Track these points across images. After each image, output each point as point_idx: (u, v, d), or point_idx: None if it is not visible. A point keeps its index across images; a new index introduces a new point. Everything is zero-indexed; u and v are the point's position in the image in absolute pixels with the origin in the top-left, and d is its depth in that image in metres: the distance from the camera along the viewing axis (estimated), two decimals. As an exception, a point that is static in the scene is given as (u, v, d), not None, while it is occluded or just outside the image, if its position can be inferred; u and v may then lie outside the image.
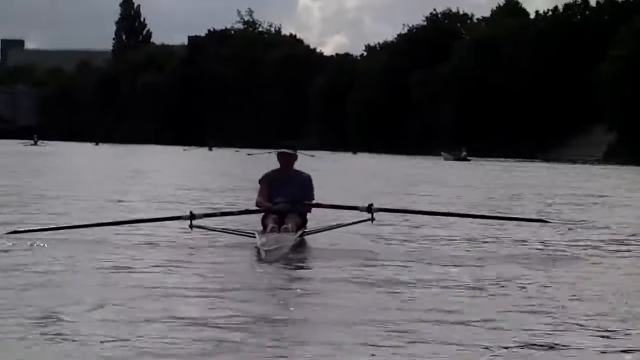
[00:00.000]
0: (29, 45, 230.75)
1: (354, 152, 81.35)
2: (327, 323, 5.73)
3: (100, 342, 5.01)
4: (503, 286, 7.38)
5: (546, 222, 10.71)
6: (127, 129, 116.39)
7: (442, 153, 69.10)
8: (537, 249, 9.98)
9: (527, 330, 5.60)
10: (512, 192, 22.95)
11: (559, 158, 71.88)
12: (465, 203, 17.63)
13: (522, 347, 5.17)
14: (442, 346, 5.12)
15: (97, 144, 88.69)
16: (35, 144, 73.09)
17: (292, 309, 6.20)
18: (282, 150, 10.27)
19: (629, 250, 10.10)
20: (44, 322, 5.51)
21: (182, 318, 5.69)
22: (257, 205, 10.12)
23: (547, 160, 69.24)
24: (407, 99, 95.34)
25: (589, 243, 10.56)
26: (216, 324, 5.55)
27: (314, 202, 10.21)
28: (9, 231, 9.63)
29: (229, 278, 7.49)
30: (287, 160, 10.23)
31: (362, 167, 43.74)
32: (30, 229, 9.80)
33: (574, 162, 65.23)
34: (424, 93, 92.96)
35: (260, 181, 10.27)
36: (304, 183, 10.18)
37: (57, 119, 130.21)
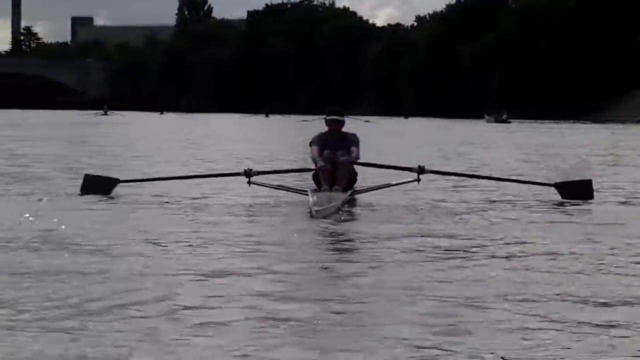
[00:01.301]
0: (98, 22, 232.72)
1: (406, 117, 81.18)
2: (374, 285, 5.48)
3: (155, 297, 4.95)
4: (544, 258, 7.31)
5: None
6: (190, 99, 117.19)
7: (485, 116, 69.26)
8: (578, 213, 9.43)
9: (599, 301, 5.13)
10: (543, 152, 22.66)
11: (602, 120, 70.83)
12: (498, 164, 17.43)
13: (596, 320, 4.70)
14: (482, 315, 4.70)
15: (162, 113, 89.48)
16: (105, 113, 73.81)
17: (338, 267, 6.05)
18: (330, 116, 10.31)
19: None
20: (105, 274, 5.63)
21: (237, 273, 5.69)
22: (313, 161, 10.17)
23: (591, 121, 68.32)
24: (455, 66, 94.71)
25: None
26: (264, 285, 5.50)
27: (369, 161, 10.28)
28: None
29: (282, 234, 7.56)
30: (335, 125, 10.33)
31: (412, 131, 43.54)
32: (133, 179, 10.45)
33: (616, 122, 64.22)
34: (471, 60, 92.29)
35: (311, 143, 10.33)
36: (351, 140, 10.23)
37: (125, 91, 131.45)
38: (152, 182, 10.45)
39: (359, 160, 10.16)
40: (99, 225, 7.69)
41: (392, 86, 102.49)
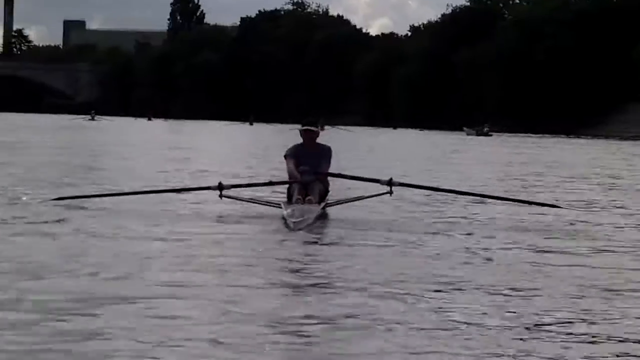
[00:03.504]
0: (90, 25, 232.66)
1: (394, 128, 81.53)
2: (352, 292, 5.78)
3: (123, 311, 5.03)
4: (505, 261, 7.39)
5: (558, 207, 10.52)
6: (180, 105, 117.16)
7: (464, 128, 69.56)
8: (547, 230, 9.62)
9: (540, 309, 5.46)
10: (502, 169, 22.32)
11: (596, 134, 71.01)
12: (467, 179, 17.40)
13: (538, 324, 5.09)
14: (452, 319, 5.12)
15: (149, 119, 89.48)
16: (93, 119, 73.85)
17: (316, 276, 6.31)
18: (305, 127, 10.38)
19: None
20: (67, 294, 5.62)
21: (213, 285, 5.81)
22: (289, 177, 10.25)
23: (583, 136, 68.48)
24: (450, 77, 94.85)
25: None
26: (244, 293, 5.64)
27: (337, 172, 10.41)
28: (54, 197, 10.03)
29: (259, 247, 7.65)
30: (309, 137, 10.38)
31: (385, 143, 43.46)
32: (71, 195, 10.17)
33: (610, 138, 64.21)
34: (467, 71, 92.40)
35: (285, 156, 10.39)
36: (323, 153, 10.32)
37: (115, 95, 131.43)
38: (118, 196, 10.32)
39: (330, 171, 10.24)
40: (63, 242, 7.65)
41: (384, 96, 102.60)
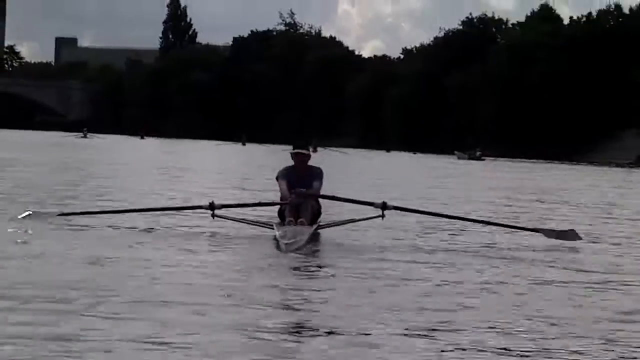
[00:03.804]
0: (82, 43, 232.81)
1: (388, 150, 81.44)
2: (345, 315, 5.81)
3: (119, 333, 5.01)
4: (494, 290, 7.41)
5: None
6: (172, 124, 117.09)
7: (456, 152, 69.55)
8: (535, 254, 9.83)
9: (531, 334, 5.55)
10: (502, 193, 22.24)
11: (590, 161, 71.06)
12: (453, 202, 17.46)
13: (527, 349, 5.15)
14: (443, 344, 5.16)
15: (142, 137, 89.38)
16: (85, 136, 73.80)
17: (309, 301, 6.28)
18: (297, 150, 10.41)
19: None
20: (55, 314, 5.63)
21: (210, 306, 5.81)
22: (281, 199, 10.26)
23: (577, 162, 68.50)
24: (443, 101, 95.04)
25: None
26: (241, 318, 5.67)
27: (331, 194, 10.37)
28: (58, 213, 10.07)
29: (252, 268, 7.63)
30: (301, 159, 10.42)
31: (377, 165, 43.50)
32: (46, 211, 10.22)
33: (604, 165, 64.04)
34: (459, 95, 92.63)
35: (277, 178, 10.43)
36: (315, 175, 10.35)
37: (106, 113, 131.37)
38: (113, 214, 10.35)
39: (322, 193, 10.24)
40: (57, 258, 7.65)
41: (377, 118, 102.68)
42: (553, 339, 5.38)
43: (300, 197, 9.94)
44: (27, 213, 9.94)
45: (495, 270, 8.18)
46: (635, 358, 5.03)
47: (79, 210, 10.52)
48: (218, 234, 9.75)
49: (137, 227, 9.95)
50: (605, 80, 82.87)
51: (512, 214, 14.91)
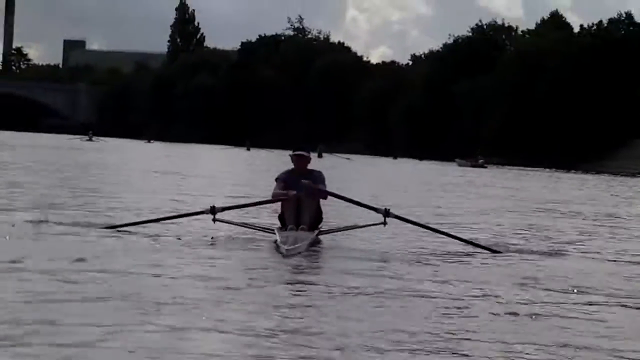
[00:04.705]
0: (90, 46, 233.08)
1: (395, 157, 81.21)
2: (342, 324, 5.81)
3: (116, 340, 5.00)
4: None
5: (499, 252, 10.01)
6: (179, 129, 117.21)
7: (456, 160, 69.58)
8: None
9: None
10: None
11: (600, 170, 70.69)
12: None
13: None
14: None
15: (148, 141, 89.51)
16: (90, 139, 73.92)
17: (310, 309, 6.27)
18: (297, 152, 10.36)
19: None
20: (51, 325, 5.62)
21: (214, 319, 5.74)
22: (273, 196, 10.20)
23: (584, 171, 68.15)
24: (451, 107, 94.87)
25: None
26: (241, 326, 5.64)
27: (335, 191, 10.22)
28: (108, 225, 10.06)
29: (250, 274, 7.60)
30: (300, 162, 10.33)
31: (382, 172, 43.31)
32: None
33: (615, 174, 63.54)
34: (468, 102, 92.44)
35: (276, 179, 10.39)
36: (317, 178, 10.23)
37: (113, 117, 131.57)
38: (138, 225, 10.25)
39: (328, 190, 10.09)
40: (54, 264, 7.66)
41: (385, 125, 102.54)
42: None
43: (308, 189, 9.85)
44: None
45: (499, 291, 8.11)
46: None
47: (80, 220, 10.46)
48: (218, 239, 9.74)
49: (140, 233, 9.90)
50: (615, 89, 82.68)
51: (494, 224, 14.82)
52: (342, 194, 10.24)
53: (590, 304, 7.02)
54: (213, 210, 9.82)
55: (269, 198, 10.37)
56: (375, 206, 10.19)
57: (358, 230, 10.30)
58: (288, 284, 7.20)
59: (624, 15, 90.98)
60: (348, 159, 53.68)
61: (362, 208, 10.22)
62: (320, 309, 6.17)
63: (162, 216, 10.80)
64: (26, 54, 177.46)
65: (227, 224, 10.08)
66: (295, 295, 6.64)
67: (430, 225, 10.69)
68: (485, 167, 62.43)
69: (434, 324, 5.92)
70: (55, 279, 6.67)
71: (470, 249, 10.10)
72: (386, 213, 9.87)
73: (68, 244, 8.77)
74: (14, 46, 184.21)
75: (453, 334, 5.62)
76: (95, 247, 8.85)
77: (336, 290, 6.96)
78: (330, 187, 10.23)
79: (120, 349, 4.74)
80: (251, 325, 5.43)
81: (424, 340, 5.39)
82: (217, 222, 9.87)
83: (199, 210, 10.20)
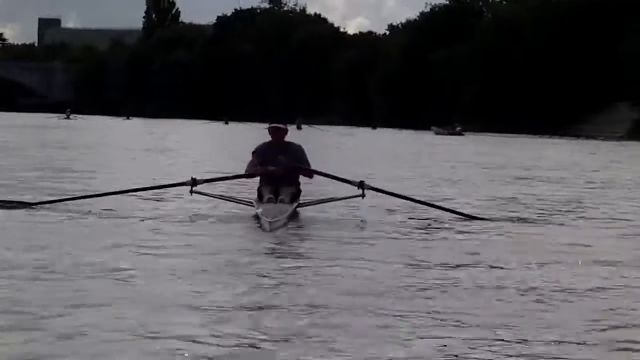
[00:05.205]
0: (65, 24, 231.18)
1: (374, 127, 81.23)
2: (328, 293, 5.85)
3: (96, 316, 4.99)
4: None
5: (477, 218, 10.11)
6: (156, 104, 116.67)
7: (432, 128, 69.24)
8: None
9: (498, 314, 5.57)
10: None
11: (577, 134, 70.97)
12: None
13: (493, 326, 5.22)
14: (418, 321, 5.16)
15: (127, 118, 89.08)
16: (68, 117, 73.54)
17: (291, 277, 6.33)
18: (273, 125, 10.32)
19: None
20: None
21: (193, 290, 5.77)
22: (247, 171, 10.20)
23: (562, 136, 68.35)
24: (429, 76, 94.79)
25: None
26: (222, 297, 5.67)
27: (311, 168, 10.27)
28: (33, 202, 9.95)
29: (235, 250, 7.56)
30: (277, 134, 10.29)
31: (361, 142, 43.21)
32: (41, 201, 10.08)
33: (594, 138, 63.78)
34: (446, 70, 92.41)
35: (253, 152, 10.35)
36: (297, 152, 10.23)
37: (90, 95, 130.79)
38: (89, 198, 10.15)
39: (303, 166, 10.13)
40: (33, 242, 7.66)
41: (363, 95, 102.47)
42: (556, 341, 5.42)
43: (283, 166, 9.86)
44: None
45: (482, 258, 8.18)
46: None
47: (53, 198, 10.29)
48: (197, 214, 9.72)
49: (114, 209, 9.85)
50: (593, 53, 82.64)
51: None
52: (319, 169, 10.31)
53: (577, 271, 7.05)
54: (194, 182, 9.82)
55: (250, 172, 10.35)
56: (349, 179, 10.22)
57: (337, 203, 10.34)
58: (272, 259, 7.15)
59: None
60: (325, 131, 53.60)
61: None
62: (304, 284, 6.16)
63: (142, 186, 10.77)
64: (1, 34, 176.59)
65: (205, 197, 10.09)
66: (278, 270, 6.60)
67: (406, 195, 10.76)
68: (463, 135, 62.37)
69: (421, 292, 5.94)
70: (35, 257, 6.70)
71: (449, 216, 10.18)
72: (360, 185, 9.92)
73: (48, 223, 8.76)
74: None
75: (433, 298, 5.69)
76: (67, 223, 8.85)
77: (319, 262, 6.96)
78: (311, 159, 10.27)
79: (96, 327, 4.71)
80: (233, 301, 5.43)
81: (409, 311, 5.39)
82: (194, 194, 9.86)
83: (180, 181, 10.14)
